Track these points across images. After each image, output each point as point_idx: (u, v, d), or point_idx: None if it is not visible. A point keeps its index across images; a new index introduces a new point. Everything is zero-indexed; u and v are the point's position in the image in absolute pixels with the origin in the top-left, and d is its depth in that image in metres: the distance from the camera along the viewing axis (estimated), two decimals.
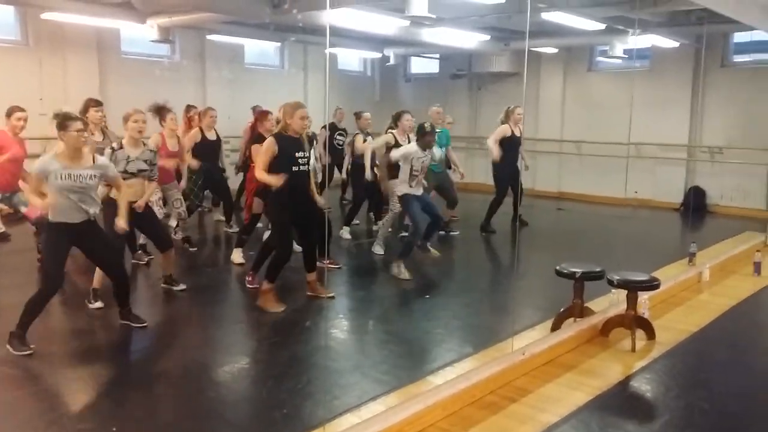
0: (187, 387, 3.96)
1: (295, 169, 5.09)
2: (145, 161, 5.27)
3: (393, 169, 6.65)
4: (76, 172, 4.27)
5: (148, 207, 5.38)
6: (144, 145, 5.35)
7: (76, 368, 4.21)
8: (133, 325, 4.81)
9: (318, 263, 5.67)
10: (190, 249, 7.37)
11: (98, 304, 5.16)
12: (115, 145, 5.27)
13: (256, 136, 6.56)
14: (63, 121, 4.24)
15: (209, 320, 5.25)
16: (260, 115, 6.84)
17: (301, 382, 3.95)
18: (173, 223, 7.42)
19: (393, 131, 7.18)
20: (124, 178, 4.93)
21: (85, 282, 5.30)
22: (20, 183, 5.85)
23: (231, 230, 8.13)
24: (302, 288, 5.60)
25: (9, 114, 5.90)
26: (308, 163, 5.26)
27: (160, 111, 6.79)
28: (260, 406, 3.72)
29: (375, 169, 7.50)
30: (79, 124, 4.26)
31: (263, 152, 5.09)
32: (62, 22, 8.86)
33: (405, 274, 6.20)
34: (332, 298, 5.60)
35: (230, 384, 4.03)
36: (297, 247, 5.68)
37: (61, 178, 4.22)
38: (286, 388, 3.90)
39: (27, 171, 5.57)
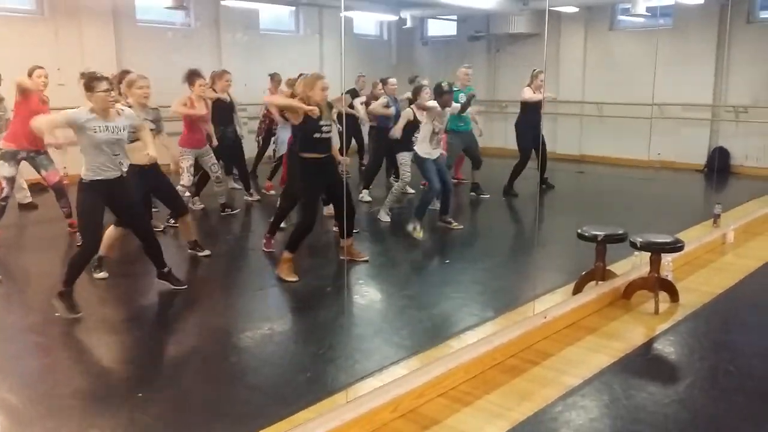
0: (210, 352, 4.00)
1: (317, 136, 5.13)
2: (152, 120, 5.39)
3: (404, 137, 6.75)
4: (112, 124, 4.35)
5: (161, 173, 5.37)
6: (146, 107, 5.46)
7: (100, 336, 4.26)
8: (173, 286, 4.89)
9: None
10: (232, 212, 7.45)
11: (102, 274, 5.15)
12: (127, 102, 5.31)
13: None
14: (89, 82, 4.28)
15: (231, 287, 5.29)
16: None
17: (323, 347, 3.97)
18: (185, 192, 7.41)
19: (412, 107, 7.12)
20: (131, 141, 4.89)
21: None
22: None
23: (252, 198, 8.12)
24: (322, 254, 5.60)
25: (30, 73, 6.13)
26: (330, 130, 5.23)
27: (191, 76, 6.82)
28: (283, 370, 3.75)
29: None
30: (105, 84, 4.28)
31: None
32: None
33: (419, 233, 6.21)
34: (366, 261, 5.65)
35: (253, 349, 4.06)
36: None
37: (99, 130, 4.28)
38: (308, 353, 3.94)
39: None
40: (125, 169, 4.58)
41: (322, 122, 5.13)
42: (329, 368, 3.71)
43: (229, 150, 7.80)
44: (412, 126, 6.80)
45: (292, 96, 6.62)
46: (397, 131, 6.76)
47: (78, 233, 4.81)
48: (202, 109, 6.85)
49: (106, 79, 4.37)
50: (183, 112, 6.65)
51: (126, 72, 6.48)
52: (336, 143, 5.40)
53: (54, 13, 9.41)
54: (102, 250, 5.06)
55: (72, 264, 4.44)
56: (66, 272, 4.40)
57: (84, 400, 3.36)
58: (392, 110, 7.96)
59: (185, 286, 4.96)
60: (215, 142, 7.19)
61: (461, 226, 6.89)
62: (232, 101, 7.83)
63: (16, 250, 6.36)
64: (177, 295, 4.94)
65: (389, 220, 7.11)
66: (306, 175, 5.22)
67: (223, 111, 7.56)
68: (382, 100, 8.11)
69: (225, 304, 4.88)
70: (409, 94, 7.48)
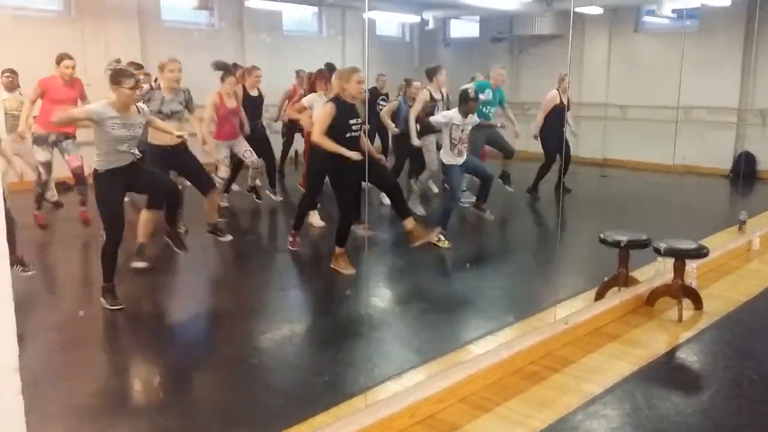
0: (231, 354, 4.01)
1: (348, 135, 5.09)
2: (180, 102, 5.44)
3: (425, 125, 6.80)
4: (130, 121, 4.42)
5: (188, 150, 5.41)
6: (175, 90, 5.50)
7: (121, 336, 4.31)
8: (175, 249, 4.98)
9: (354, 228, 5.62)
10: (257, 200, 7.51)
11: (141, 264, 5.14)
12: (153, 83, 5.41)
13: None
14: (117, 76, 4.31)
15: (253, 287, 5.32)
16: (319, 75, 6.74)
17: (342, 350, 3.97)
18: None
19: (428, 87, 7.16)
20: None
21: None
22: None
23: (275, 197, 8.08)
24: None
25: (58, 61, 6.35)
26: (361, 129, 5.21)
27: (224, 72, 6.94)
28: (302, 373, 3.76)
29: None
30: (131, 82, 4.32)
31: (323, 116, 5.10)
32: None
33: (444, 243, 6.15)
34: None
35: (272, 351, 4.08)
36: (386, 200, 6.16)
37: (116, 126, 4.33)
38: (327, 356, 3.94)
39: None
40: (138, 155, 4.61)
41: (352, 121, 5.11)
42: (348, 372, 3.71)
43: (259, 143, 7.70)
44: (431, 107, 6.87)
45: (312, 88, 6.66)
46: (414, 113, 6.82)
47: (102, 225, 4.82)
48: (231, 103, 6.94)
49: (134, 76, 4.41)
50: (203, 126, 6.64)
51: (132, 64, 6.74)
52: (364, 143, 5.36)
53: (81, 13, 9.53)
54: (141, 237, 5.15)
55: (102, 257, 4.47)
56: (102, 268, 4.46)
57: (104, 400, 3.39)
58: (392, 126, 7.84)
59: (186, 251, 5.04)
60: (247, 130, 7.27)
61: (492, 217, 6.79)
62: (261, 95, 7.89)
63: (41, 247, 6.45)
64: (199, 295, 4.97)
65: (424, 212, 7.12)
66: (337, 171, 5.20)
67: (253, 105, 7.61)
68: (393, 104, 8.03)
69: (246, 305, 4.90)
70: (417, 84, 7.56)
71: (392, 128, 7.61)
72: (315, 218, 6.63)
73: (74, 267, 5.82)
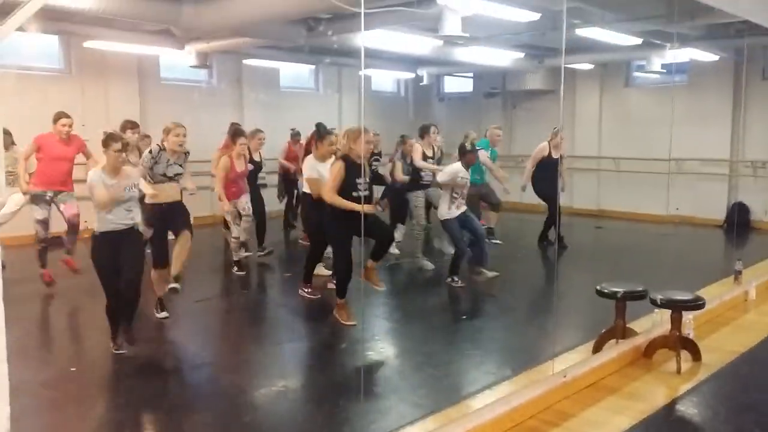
0: (224, 410, 3.95)
1: (354, 194, 5.14)
2: (180, 165, 5.57)
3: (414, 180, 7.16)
4: (122, 184, 4.54)
5: (184, 207, 5.59)
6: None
7: (111, 391, 4.26)
8: (116, 348, 4.76)
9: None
10: (244, 253, 7.49)
11: (163, 315, 5.39)
12: (160, 144, 5.51)
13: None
14: (105, 140, 4.52)
15: (247, 342, 5.28)
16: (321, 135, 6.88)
17: (338, 405, 3.92)
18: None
19: (421, 143, 7.38)
20: (159, 181, 5.34)
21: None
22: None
23: (263, 253, 7.97)
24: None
25: (55, 120, 6.44)
26: (365, 190, 5.25)
27: (235, 134, 7.12)
28: (297, 430, 3.69)
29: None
30: (118, 145, 4.51)
31: (333, 175, 5.22)
32: (104, 50, 9.11)
33: (459, 283, 6.48)
34: (383, 290, 5.72)
35: (267, 408, 4.02)
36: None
37: (113, 190, 4.47)
38: (323, 411, 3.88)
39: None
40: (137, 220, 4.71)
41: (359, 180, 5.15)
42: (344, 428, 3.65)
43: (253, 203, 7.68)
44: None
45: (307, 149, 6.81)
46: (418, 161, 7.27)
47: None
48: (241, 167, 7.10)
49: (122, 140, 4.59)
50: (220, 186, 6.91)
51: (128, 122, 6.94)
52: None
53: (81, 71, 9.71)
54: (158, 292, 5.34)
55: (107, 314, 4.68)
56: (110, 325, 4.69)
57: None
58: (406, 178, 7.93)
59: (124, 351, 4.75)
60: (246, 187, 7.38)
61: (497, 273, 6.89)
62: (261, 162, 7.98)
63: (38, 301, 6.39)
64: (193, 349, 4.93)
65: (432, 266, 7.22)
66: (338, 223, 5.23)
67: (255, 170, 7.69)
68: (399, 164, 8.03)
69: (240, 359, 4.85)
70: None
71: (402, 179, 7.62)
72: (320, 269, 6.65)
73: (65, 323, 5.78)
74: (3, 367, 1.68)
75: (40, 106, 8.67)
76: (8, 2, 2.40)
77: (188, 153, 5.71)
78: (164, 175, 5.40)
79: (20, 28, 2.41)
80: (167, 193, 5.42)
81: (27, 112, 7.99)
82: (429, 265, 7.29)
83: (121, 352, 4.65)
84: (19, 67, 8.72)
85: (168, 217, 5.42)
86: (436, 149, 7.63)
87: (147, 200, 5.29)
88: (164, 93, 10.57)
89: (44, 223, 6.37)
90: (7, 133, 6.89)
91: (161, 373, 4.67)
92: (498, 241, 8.47)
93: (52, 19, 7.59)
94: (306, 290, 6.13)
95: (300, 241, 8.69)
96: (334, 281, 5.69)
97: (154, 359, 4.92)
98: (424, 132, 7.59)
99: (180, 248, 5.56)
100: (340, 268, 5.37)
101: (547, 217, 8.63)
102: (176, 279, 5.53)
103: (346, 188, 5.16)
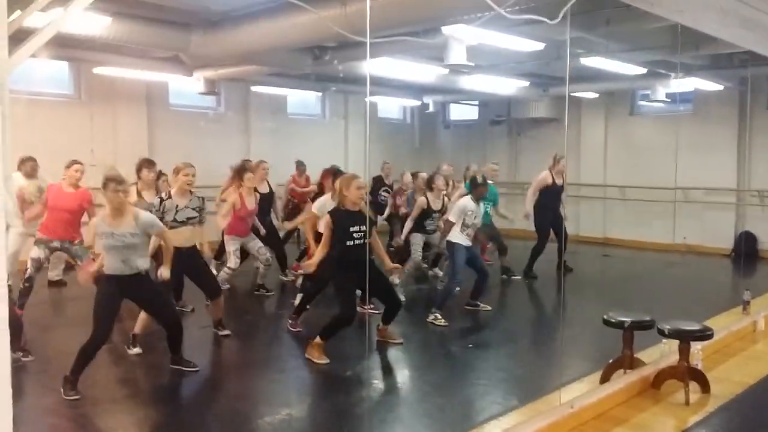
0: None
1: (349, 243, 5.07)
2: (194, 209, 5.48)
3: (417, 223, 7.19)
4: (119, 231, 4.42)
5: (198, 254, 5.53)
6: (191, 193, 5.54)
7: (117, 417, 4.22)
8: (185, 369, 4.88)
9: (359, 308, 5.73)
10: (267, 293, 7.48)
11: (136, 350, 5.22)
12: (164, 194, 5.50)
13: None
14: (104, 182, 4.40)
15: (253, 368, 5.25)
16: (328, 173, 6.95)
17: None
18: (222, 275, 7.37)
19: (428, 195, 7.26)
20: (173, 227, 5.20)
21: (132, 328, 5.34)
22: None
23: (286, 278, 8.12)
24: (342, 338, 5.53)
25: (69, 165, 6.12)
26: (365, 236, 5.16)
27: (239, 172, 7.06)
28: None
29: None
30: (113, 185, 4.38)
31: (324, 229, 5.21)
32: (113, 76, 9.21)
33: (441, 321, 6.25)
34: (401, 343, 5.69)
35: None
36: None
37: (105, 236, 4.42)
38: None
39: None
40: (144, 268, 4.58)
41: (353, 228, 5.09)
42: None
43: (270, 238, 7.76)
44: (425, 213, 7.11)
45: (321, 189, 6.83)
46: (409, 222, 7.19)
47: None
48: (251, 204, 7.00)
49: (118, 180, 4.43)
50: (223, 219, 6.78)
51: (145, 161, 6.77)
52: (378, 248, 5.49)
53: (90, 97, 9.80)
54: (137, 329, 5.19)
55: (81, 352, 4.42)
56: (75, 360, 4.40)
57: None
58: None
59: (197, 369, 4.92)
60: (263, 232, 7.38)
61: (489, 307, 6.87)
62: (271, 191, 7.98)
63: (41, 327, 6.37)
64: (198, 376, 4.89)
65: (404, 298, 7.16)
66: (340, 270, 5.15)
67: (264, 202, 7.63)
68: (418, 204, 7.69)
69: (245, 387, 4.82)
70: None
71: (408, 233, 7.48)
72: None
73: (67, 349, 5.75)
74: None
75: (50, 131, 8.78)
76: (22, 30, 2.43)
77: (204, 199, 5.63)
78: (175, 220, 5.35)
79: (32, 55, 2.43)
80: (184, 236, 5.34)
81: (37, 137, 8.09)
82: (439, 272, 7.27)
83: (74, 398, 4.30)
84: (30, 92, 8.82)
85: (186, 263, 5.31)
86: (444, 201, 7.38)
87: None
88: (172, 119, 10.66)
89: (38, 262, 5.99)
90: (31, 160, 6.88)
91: (164, 399, 4.64)
92: (517, 276, 8.48)
93: (62, 45, 7.68)
94: (291, 322, 6.03)
95: (291, 270, 8.64)
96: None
97: (157, 385, 4.90)
98: (431, 182, 7.35)
99: (215, 312, 5.81)
100: (344, 315, 5.13)
101: (534, 246, 8.63)
102: (221, 324, 5.81)
103: (340, 240, 5.09)
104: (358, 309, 5.66)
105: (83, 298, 6.69)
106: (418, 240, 7.32)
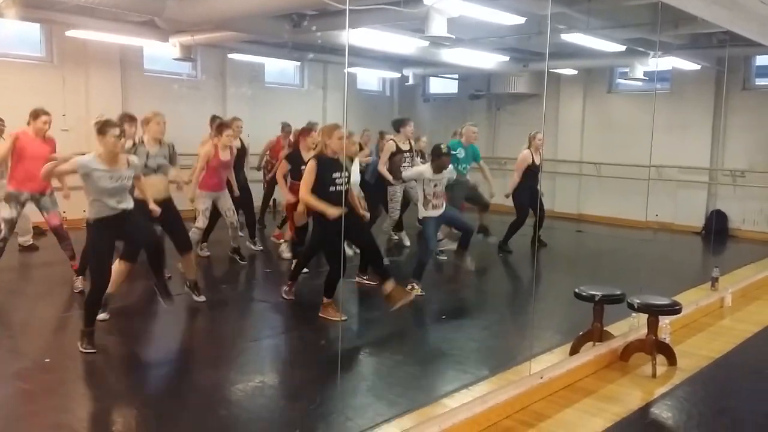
0: (199, 405, 3.92)
1: (332, 189, 5.16)
2: (164, 156, 5.57)
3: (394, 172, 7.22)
4: (117, 173, 4.52)
5: (173, 206, 5.58)
6: (161, 143, 5.60)
7: (87, 384, 4.20)
8: (162, 300, 5.02)
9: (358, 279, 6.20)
10: (241, 262, 7.42)
11: (103, 316, 5.05)
12: (137, 139, 5.61)
13: (293, 154, 6.92)
14: (102, 126, 4.47)
15: (226, 337, 5.23)
16: (303, 131, 7.01)
17: (314, 402, 3.90)
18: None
19: (395, 138, 7.40)
20: (145, 174, 5.28)
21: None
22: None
23: (255, 247, 8.10)
24: (316, 308, 5.54)
25: (35, 116, 5.95)
26: (347, 182, 5.29)
27: (219, 127, 6.96)
28: (273, 426, 3.68)
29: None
30: (116, 131, 4.48)
31: (307, 174, 5.21)
32: (86, 39, 9.00)
33: (418, 291, 6.15)
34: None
35: (243, 403, 3.99)
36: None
37: (104, 178, 4.44)
38: (299, 408, 3.86)
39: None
40: (129, 206, 4.67)
41: (335, 174, 5.17)
42: (320, 425, 3.64)
43: (241, 193, 7.65)
44: (398, 158, 7.16)
45: (296, 145, 6.90)
46: (381, 164, 7.19)
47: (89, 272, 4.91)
48: (226, 156, 6.92)
49: (119, 126, 4.57)
50: (199, 172, 6.77)
51: (126, 115, 6.67)
52: (356, 193, 5.59)
53: (63, 60, 9.58)
54: (110, 288, 4.97)
55: (87, 304, 4.60)
56: (84, 313, 4.58)
57: None
58: (371, 159, 8.01)
59: (172, 302, 5.08)
60: (236, 192, 7.30)
61: (473, 268, 6.86)
62: (244, 146, 7.94)
63: (12, 292, 6.30)
64: (171, 344, 4.88)
65: (408, 243, 7.52)
66: (322, 224, 5.23)
67: (237, 156, 7.56)
68: (365, 150, 8.19)
69: (218, 355, 4.81)
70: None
71: (391, 180, 7.54)
72: (286, 251, 6.89)
73: (38, 314, 5.69)
74: None
75: (20, 93, 8.57)
76: None
77: (173, 146, 5.69)
78: (146, 166, 5.36)
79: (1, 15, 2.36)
80: (156, 188, 5.38)
81: (6, 100, 7.91)
82: (406, 241, 7.30)
83: (89, 351, 4.45)
84: (0, 54, 8.60)
85: (161, 214, 5.29)
86: (412, 143, 7.64)
87: (135, 194, 5.14)
88: (147, 84, 10.48)
89: (11, 222, 5.90)
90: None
91: (136, 366, 4.63)
92: (493, 237, 8.45)
93: (34, 6, 7.48)
94: (286, 288, 6.02)
95: (272, 238, 8.65)
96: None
97: (130, 353, 4.87)
98: (399, 125, 7.56)
99: (187, 270, 5.80)
100: (330, 270, 5.36)
101: (513, 221, 8.63)
102: (197, 288, 5.82)
103: (322, 185, 5.15)
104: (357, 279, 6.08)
105: (55, 263, 6.64)
106: (397, 194, 7.33)
